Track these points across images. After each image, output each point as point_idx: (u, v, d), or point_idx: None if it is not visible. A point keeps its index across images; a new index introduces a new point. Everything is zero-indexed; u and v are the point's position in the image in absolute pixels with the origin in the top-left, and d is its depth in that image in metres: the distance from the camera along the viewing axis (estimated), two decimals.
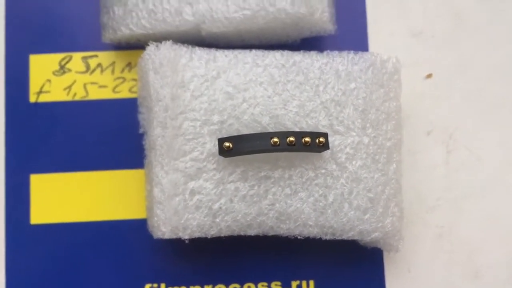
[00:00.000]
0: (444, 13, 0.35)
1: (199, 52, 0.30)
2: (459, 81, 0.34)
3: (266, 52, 0.30)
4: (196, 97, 0.29)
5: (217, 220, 0.29)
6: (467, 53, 0.35)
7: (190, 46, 0.30)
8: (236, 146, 0.28)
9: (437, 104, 0.34)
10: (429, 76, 0.34)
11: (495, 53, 0.35)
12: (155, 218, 0.29)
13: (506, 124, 0.34)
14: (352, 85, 0.30)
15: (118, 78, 0.34)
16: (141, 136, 0.32)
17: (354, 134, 0.30)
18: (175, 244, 0.32)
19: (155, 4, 0.31)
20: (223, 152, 0.29)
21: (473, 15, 0.35)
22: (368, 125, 0.30)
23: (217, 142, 0.29)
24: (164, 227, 0.29)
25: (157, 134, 0.29)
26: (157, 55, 0.29)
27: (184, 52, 0.30)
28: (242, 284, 0.33)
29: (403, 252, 0.33)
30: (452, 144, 0.34)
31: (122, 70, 0.34)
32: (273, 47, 0.32)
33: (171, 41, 0.30)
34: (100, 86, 0.34)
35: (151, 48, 0.30)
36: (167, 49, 0.29)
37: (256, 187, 0.29)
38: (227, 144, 0.28)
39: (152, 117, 0.29)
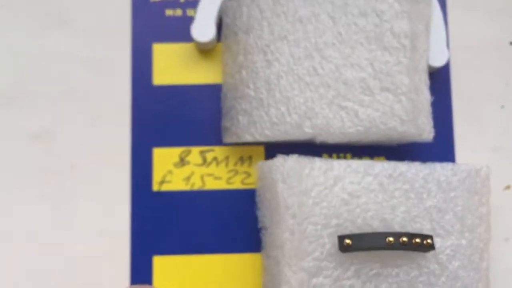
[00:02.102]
0: None
1: (319, 163, 0.34)
2: None
3: (375, 162, 0.35)
4: (317, 204, 0.34)
5: None
6: None
7: (310, 157, 0.34)
8: (355, 243, 0.32)
9: None
10: (508, 187, 0.38)
11: None
12: None
13: None
14: (452, 194, 0.34)
15: (231, 170, 0.38)
16: (251, 224, 0.37)
17: (453, 237, 0.34)
18: None
19: (278, 117, 0.35)
20: (343, 248, 0.33)
21: None
22: (465, 229, 0.34)
23: (336, 242, 0.33)
24: None
25: (286, 238, 0.33)
26: (285, 167, 0.33)
27: (306, 163, 0.34)
28: None
29: None
30: None
31: (235, 164, 0.38)
32: (368, 148, 0.37)
33: (296, 155, 0.34)
34: (216, 178, 0.38)
35: (279, 160, 0.34)
36: (294, 161, 0.33)
37: (368, 284, 0.33)
38: (347, 241, 0.33)
39: (278, 221, 0.33)
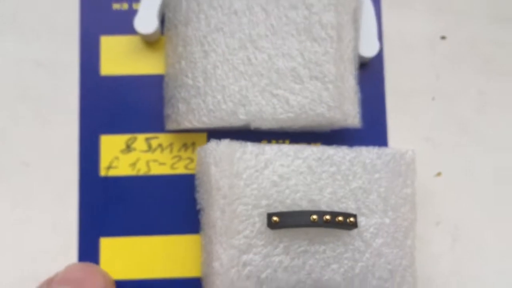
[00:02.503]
0: (451, 123, 0.41)
1: (250, 147, 0.36)
2: (465, 180, 0.41)
3: (305, 147, 0.37)
4: (248, 185, 0.36)
5: (264, 287, 0.35)
6: (471, 157, 0.41)
7: (243, 142, 0.36)
8: (282, 220, 0.35)
9: (445, 199, 0.41)
10: (439, 174, 0.41)
11: (493, 157, 0.41)
12: (214, 287, 0.35)
13: (505, 219, 0.41)
14: (376, 176, 0.37)
15: (175, 156, 0.41)
16: (194, 207, 0.39)
17: (377, 216, 0.36)
18: None
19: (214, 104, 0.37)
20: (271, 225, 0.35)
21: (475, 125, 0.41)
22: (388, 208, 0.36)
23: (264, 222, 0.35)
24: None
25: (217, 217, 0.35)
26: (217, 151, 0.36)
27: (238, 147, 0.36)
28: None
29: None
30: (458, 235, 0.40)
31: (179, 150, 0.41)
32: (306, 135, 0.39)
33: (228, 139, 0.36)
34: (160, 163, 0.40)
35: (212, 144, 0.36)
36: (225, 146, 0.36)
37: (296, 260, 0.35)
38: (275, 218, 0.35)
39: (212, 202, 0.36)
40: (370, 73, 0.42)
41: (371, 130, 0.41)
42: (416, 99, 0.42)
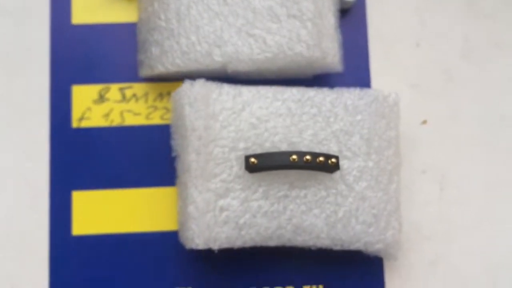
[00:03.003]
0: (436, 70, 0.40)
1: (227, 88, 0.35)
2: (450, 128, 0.39)
3: (284, 88, 0.35)
4: (225, 127, 0.34)
5: (242, 233, 0.34)
6: (457, 104, 0.40)
7: (219, 83, 0.35)
8: (260, 162, 0.33)
9: (432, 147, 0.39)
10: (424, 122, 0.39)
11: (479, 104, 0.40)
12: (190, 232, 0.33)
13: (490, 166, 0.39)
14: (359, 117, 0.35)
15: (151, 106, 0.39)
16: (170, 158, 0.37)
17: (360, 159, 0.35)
18: (202, 253, 0.37)
19: (188, 46, 0.35)
20: (249, 167, 0.33)
21: (461, 72, 0.40)
22: (372, 151, 0.35)
23: (242, 165, 0.34)
24: (198, 240, 0.33)
25: (192, 159, 0.34)
26: (192, 91, 0.34)
27: (214, 88, 0.34)
28: None
29: (400, 276, 0.38)
30: (444, 183, 0.39)
31: (154, 100, 0.39)
32: (289, 82, 0.37)
33: (203, 79, 0.34)
34: (135, 114, 0.39)
35: (186, 85, 0.34)
36: (200, 86, 0.34)
37: (276, 205, 0.34)
38: (252, 160, 0.33)
39: (187, 144, 0.34)
40: (353, 19, 0.40)
41: (354, 77, 0.39)
42: (400, 45, 0.40)
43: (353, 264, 0.37)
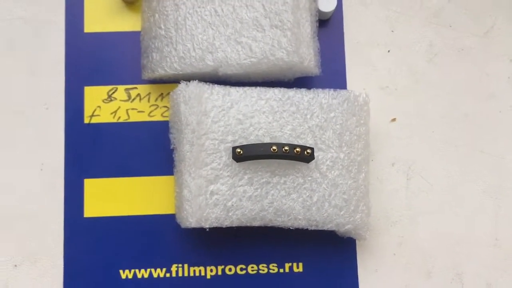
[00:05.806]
0: (405, 73, 0.45)
1: (217, 88, 0.40)
2: (417, 125, 0.45)
3: (267, 89, 0.40)
4: (215, 122, 0.39)
5: (230, 214, 0.39)
6: (423, 103, 0.45)
7: (210, 84, 0.40)
8: (245, 152, 0.38)
9: (400, 142, 0.44)
10: (394, 120, 0.44)
11: (443, 103, 0.45)
12: (184, 212, 0.39)
13: (452, 159, 0.44)
14: (332, 114, 0.40)
15: (153, 105, 0.44)
16: (170, 151, 0.42)
17: (333, 151, 0.40)
18: (195, 232, 0.42)
19: (184, 52, 0.41)
20: (236, 156, 0.38)
21: (427, 75, 0.45)
22: (343, 144, 0.40)
23: (230, 156, 0.39)
24: (191, 219, 0.38)
25: (186, 150, 0.39)
26: (187, 91, 0.39)
27: (206, 88, 0.40)
28: (247, 265, 0.43)
29: (371, 256, 0.43)
30: (411, 173, 0.44)
31: (156, 99, 0.44)
32: (273, 84, 0.42)
33: (197, 80, 0.40)
34: (139, 111, 0.44)
35: (182, 85, 0.40)
36: (194, 86, 0.39)
37: (259, 190, 0.39)
38: (238, 150, 0.38)
39: (182, 137, 0.39)
40: (331, 28, 0.45)
41: (332, 80, 0.45)
42: (373, 51, 0.45)
43: (329, 245, 0.43)
